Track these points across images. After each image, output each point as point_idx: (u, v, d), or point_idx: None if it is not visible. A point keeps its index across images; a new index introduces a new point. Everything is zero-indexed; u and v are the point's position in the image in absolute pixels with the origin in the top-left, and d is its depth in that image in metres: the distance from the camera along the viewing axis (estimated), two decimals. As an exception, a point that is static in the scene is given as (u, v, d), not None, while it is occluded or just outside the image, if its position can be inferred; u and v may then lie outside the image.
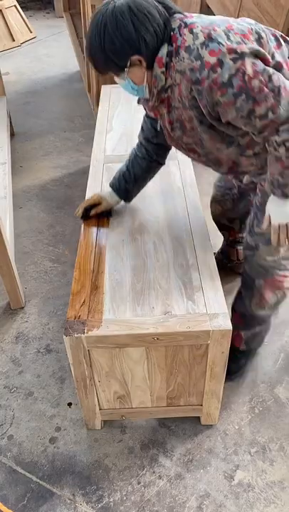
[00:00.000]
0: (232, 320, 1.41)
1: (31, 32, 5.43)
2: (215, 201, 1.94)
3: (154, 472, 1.49)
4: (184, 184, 1.83)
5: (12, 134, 3.44)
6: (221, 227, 2.06)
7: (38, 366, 1.82)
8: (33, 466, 1.52)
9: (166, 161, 1.69)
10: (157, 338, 1.27)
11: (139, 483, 1.46)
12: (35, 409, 1.68)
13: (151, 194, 1.78)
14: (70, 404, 1.69)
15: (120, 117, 2.38)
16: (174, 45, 1.17)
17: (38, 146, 3.34)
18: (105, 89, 2.69)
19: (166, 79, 1.22)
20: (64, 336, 1.27)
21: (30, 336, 1.95)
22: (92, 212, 1.65)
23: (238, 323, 1.61)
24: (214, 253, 1.73)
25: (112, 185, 1.67)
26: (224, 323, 1.27)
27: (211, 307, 1.31)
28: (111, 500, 1.43)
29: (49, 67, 4.70)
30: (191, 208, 1.70)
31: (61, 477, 1.49)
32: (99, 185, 1.85)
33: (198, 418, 1.60)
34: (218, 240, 2.15)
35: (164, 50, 1.18)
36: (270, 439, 1.56)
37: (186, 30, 1.16)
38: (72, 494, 1.44)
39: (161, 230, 1.60)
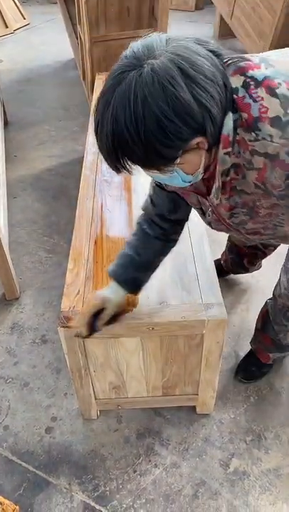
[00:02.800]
0: (260, 339, 1.61)
1: (25, 18, 5.34)
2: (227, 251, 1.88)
3: (150, 461, 1.49)
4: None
5: (6, 123, 3.39)
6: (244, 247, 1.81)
7: (34, 357, 1.82)
8: (29, 456, 1.52)
9: None
10: (152, 328, 1.26)
11: (135, 471, 1.47)
12: (31, 399, 1.68)
13: (146, 183, 1.76)
14: (65, 394, 1.69)
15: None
16: (244, 114, 0.81)
17: (33, 136, 3.30)
18: (100, 77, 2.66)
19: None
20: (58, 327, 1.26)
21: (25, 326, 1.94)
22: (99, 324, 1.21)
23: (267, 345, 1.60)
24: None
25: (115, 275, 1.24)
26: (219, 312, 1.26)
27: (206, 297, 1.30)
28: (107, 488, 1.43)
29: (43, 55, 4.63)
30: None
31: (57, 466, 1.49)
32: (93, 175, 1.83)
33: (194, 407, 1.60)
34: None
35: (229, 123, 0.82)
36: (265, 427, 1.57)
37: (261, 92, 0.81)
38: (68, 483, 1.45)
39: (156, 220, 1.59)
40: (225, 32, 4.43)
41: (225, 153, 0.85)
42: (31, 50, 4.76)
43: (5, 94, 3.67)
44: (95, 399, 1.52)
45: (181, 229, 1.28)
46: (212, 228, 1.18)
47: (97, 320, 1.20)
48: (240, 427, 1.57)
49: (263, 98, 0.80)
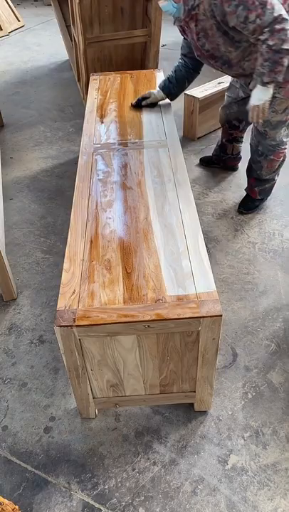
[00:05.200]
0: (249, 181, 2.47)
1: (19, 21, 5.33)
2: (224, 107, 2.52)
3: (148, 459, 1.50)
4: (174, 171, 1.82)
5: (1, 125, 3.40)
6: (229, 127, 2.56)
7: (32, 357, 1.82)
8: (28, 456, 1.52)
9: (156, 149, 1.84)
10: (148, 326, 1.27)
11: (133, 469, 1.48)
12: (29, 399, 1.68)
13: (141, 182, 1.77)
14: (64, 394, 1.69)
15: (110, 106, 2.35)
16: None
17: (29, 137, 3.31)
18: (94, 78, 2.66)
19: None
20: (55, 326, 1.26)
21: (23, 327, 1.94)
22: (143, 102, 2.29)
23: (252, 182, 2.44)
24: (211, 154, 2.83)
25: (159, 86, 2.31)
26: (214, 309, 1.26)
27: (202, 294, 1.31)
28: (106, 487, 1.44)
29: (38, 57, 4.64)
30: (182, 195, 1.69)
31: (56, 466, 1.49)
32: (88, 175, 1.83)
33: (192, 405, 1.61)
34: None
35: None
36: (263, 423, 1.58)
37: None
38: (67, 482, 1.45)
39: (151, 218, 1.60)
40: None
41: None
42: (26, 52, 4.77)
43: (0, 96, 3.68)
44: (93, 398, 1.52)
45: (198, 64, 2.22)
46: (199, 56, 2.04)
47: (143, 100, 2.30)
48: (238, 423, 1.58)
49: None
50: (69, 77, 4.09)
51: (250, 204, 2.50)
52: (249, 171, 2.44)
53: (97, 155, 1.96)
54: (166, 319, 1.26)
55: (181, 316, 1.25)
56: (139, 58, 3.12)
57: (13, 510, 1.22)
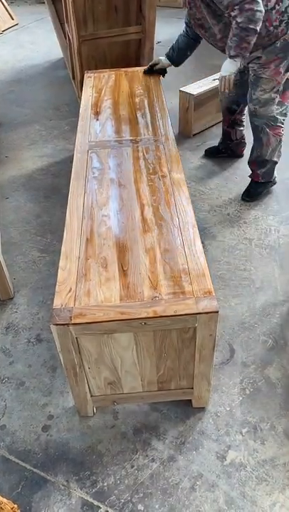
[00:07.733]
0: (251, 167, 2.55)
1: (13, 19, 5.33)
2: (222, 92, 2.44)
3: (147, 455, 1.50)
4: (169, 168, 1.81)
5: (-4, 124, 3.39)
6: (229, 112, 2.63)
7: (29, 356, 1.82)
8: (26, 455, 1.52)
9: (152, 146, 1.86)
10: (145, 323, 1.27)
11: (132, 466, 1.48)
12: (27, 398, 1.68)
13: (136, 179, 1.77)
14: (62, 392, 1.69)
15: (105, 103, 2.35)
16: None
17: (24, 136, 3.30)
18: (89, 75, 2.65)
19: None
20: (51, 325, 1.26)
21: (20, 326, 1.94)
22: (155, 68, 2.59)
23: (254, 166, 2.51)
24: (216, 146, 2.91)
25: (166, 53, 2.54)
26: (211, 305, 1.27)
27: (198, 290, 1.31)
28: (105, 484, 1.44)
29: (33, 55, 4.62)
30: (177, 192, 1.69)
31: (55, 464, 1.49)
32: (84, 173, 1.83)
33: (190, 401, 1.61)
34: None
35: None
36: (261, 418, 1.58)
37: None
38: (66, 480, 1.45)
39: (147, 215, 1.59)
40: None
41: None
42: (20, 50, 4.75)
43: (-5, 95, 3.67)
44: (91, 396, 1.52)
45: (197, 35, 2.29)
46: (193, 25, 2.19)
47: (154, 67, 2.61)
48: (236, 419, 1.58)
49: None
50: (64, 75, 4.08)
51: (253, 191, 2.56)
52: (251, 154, 2.50)
53: (92, 153, 1.95)
54: (162, 316, 1.26)
55: (177, 313, 1.25)
56: (134, 55, 3.11)
57: (12, 509, 1.22)
